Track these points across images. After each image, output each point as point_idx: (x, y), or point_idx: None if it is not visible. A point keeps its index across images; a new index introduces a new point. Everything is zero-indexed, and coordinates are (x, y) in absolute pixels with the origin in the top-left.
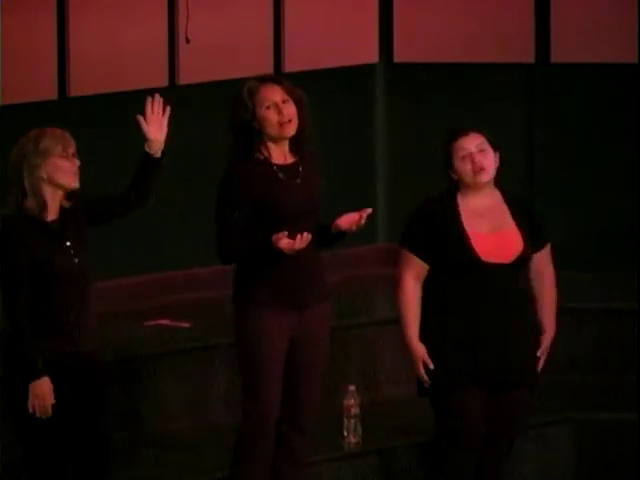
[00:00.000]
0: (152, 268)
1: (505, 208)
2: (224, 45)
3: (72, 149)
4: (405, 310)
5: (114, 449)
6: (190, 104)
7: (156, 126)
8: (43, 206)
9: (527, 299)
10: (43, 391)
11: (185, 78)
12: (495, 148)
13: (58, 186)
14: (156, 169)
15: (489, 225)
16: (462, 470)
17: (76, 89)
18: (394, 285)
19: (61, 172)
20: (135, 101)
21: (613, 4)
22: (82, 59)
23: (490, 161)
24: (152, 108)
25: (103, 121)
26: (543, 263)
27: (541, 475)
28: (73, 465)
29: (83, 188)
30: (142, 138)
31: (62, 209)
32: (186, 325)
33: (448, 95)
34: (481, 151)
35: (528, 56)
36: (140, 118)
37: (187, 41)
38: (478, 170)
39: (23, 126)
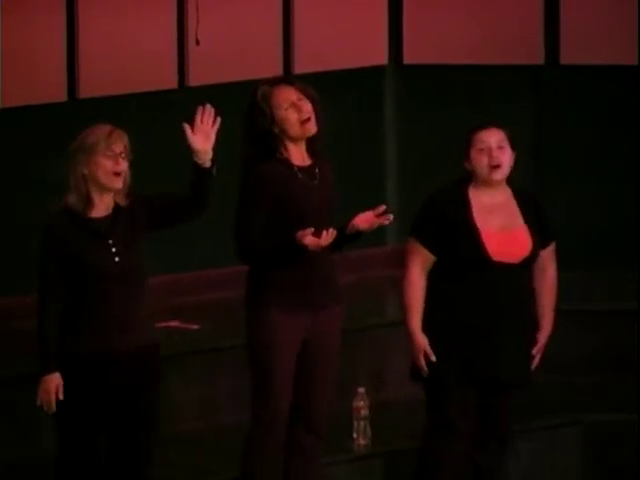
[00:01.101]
0: (162, 270)
1: (515, 206)
2: (234, 47)
3: (119, 148)
4: (410, 300)
5: (151, 451)
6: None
7: (202, 136)
8: (86, 202)
9: (530, 299)
10: (49, 387)
11: (195, 80)
12: (513, 147)
13: (101, 186)
14: (207, 178)
15: (500, 223)
16: (454, 466)
17: (85, 91)
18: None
19: (102, 171)
20: (144, 103)
21: (621, 5)
22: (91, 61)
23: (507, 159)
24: (202, 118)
25: (112, 123)
26: (547, 260)
27: (548, 476)
28: (107, 465)
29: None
30: (185, 146)
31: (116, 207)
32: (195, 327)
33: (457, 96)
34: (500, 147)
35: (537, 58)
36: (187, 127)
37: (197, 43)
38: (494, 166)
39: (33, 128)
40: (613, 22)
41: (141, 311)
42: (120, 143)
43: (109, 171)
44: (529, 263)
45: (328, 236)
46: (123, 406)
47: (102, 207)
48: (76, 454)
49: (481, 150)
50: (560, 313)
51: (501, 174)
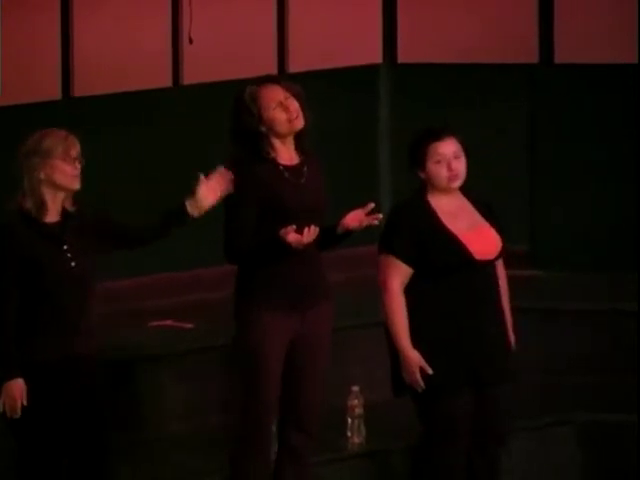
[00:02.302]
0: (156, 269)
1: (472, 207)
2: (228, 45)
3: (75, 152)
4: (396, 317)
5: (113, 451)
6: (194, 104)
7: (210, 193)
8: (41, 206)
9: (499, 294)
10: (14, 392)
11: (189, 78)
12: (467, 153)
13: (57, 187)
14: (181, 223)
15: (466, 224)
16: (455, 471)
17: (80, 89)
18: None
19: (60, 174)
20: (139, 101)
21: (615, 4)
22: (86, 59)
23: (464, 167)
24: (219, 180)
25: (107, 121)
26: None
27: (545, 476)
28: (69, 468)
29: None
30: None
31: (65, 212)
32: (189, 326)
33: (452, 95)
34: (456, 158)
35: (532, 57)
36: (202, 177)
37: (190, 41)
38: (453, 177)
39: (27, 126)
40: (609, 21)
41: (94, 315)
42: (74, 148)
43: (68, 174)
44: (501, 256)
45: (310, 233)
46: (87, 410)
47: (54, 212)
48: (40, 460)
49: (438, 162)
50: (560, 313)
51: (459, 183)
